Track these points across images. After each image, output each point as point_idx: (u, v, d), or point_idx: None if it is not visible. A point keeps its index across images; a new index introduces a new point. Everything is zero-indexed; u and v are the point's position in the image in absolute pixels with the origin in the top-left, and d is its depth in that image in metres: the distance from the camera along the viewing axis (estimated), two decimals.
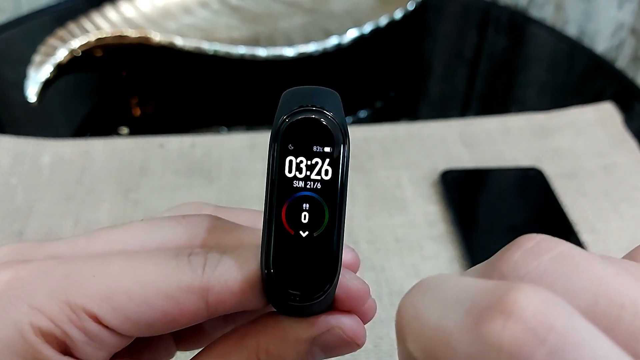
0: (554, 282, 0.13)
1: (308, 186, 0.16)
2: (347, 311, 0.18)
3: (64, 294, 0.17)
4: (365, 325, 0.19)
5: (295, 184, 0.16)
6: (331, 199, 0.17)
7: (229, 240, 0.19)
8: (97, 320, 0.17)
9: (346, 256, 0.19)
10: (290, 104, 0.17)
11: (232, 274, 0.17)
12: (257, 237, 0.18)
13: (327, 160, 0.16)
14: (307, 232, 0.17)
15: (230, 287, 0.17)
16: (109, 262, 0.17)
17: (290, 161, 0.16)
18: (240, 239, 0.19)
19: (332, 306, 0.18)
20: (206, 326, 0.22)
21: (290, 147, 0.16)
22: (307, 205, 0.16)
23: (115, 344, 0.18)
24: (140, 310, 0.17)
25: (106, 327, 0.17)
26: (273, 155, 0.17)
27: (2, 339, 0.17)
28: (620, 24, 0.78)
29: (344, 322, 0.18)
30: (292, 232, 0.17)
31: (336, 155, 0.17)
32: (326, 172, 0.16)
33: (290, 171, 0.16)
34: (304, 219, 0.16)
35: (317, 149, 0.16)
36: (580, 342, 0.11)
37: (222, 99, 0.57)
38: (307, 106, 0.17)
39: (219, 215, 0.20)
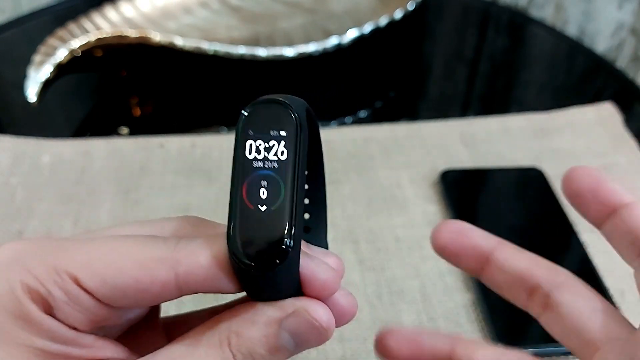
0: None
1: (266, 165, 0.18)
2: (316, 299, 0.20)
3: (53, 260, 0.19)
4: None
5: (255, 164, 0.18)
6: (287, 176, 0.18)
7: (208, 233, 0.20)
8: (77, 282, 0.19)
9: (330, 260, 0.20)
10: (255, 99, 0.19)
11: (202, 249, 0.19)
12: None
13: (283, 143, 0.18)
14: (265, 207, 0.18)
15: (199, 261, 0.19)
16: (94, 240, 0.20)
17: (250, 144, 0.19)
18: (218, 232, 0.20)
19: (301, 292, 0.20)
20: (195, 323, 0.22)
21: (250, 132, 0.19)
22: (265, 183, 0.18)
23: (94, 310, 0.19)
24: (115, 276, 0.19)
25: (85, 290, 0.19)
26: (236, 139, 0.19)
27: None
28: (620, 24, 0.78)
29: (310, 306, 0.19)
30: (252, 207, 0.18)
31: (291, 138, 0.19)
32: (282, 152, 0.18)
33: (250, 153, 0.18)
34: (262, 194, 0.18)
35: (273, 132, 0.19)
36: None
37: (222, 99, 0.57)
38: (266, 97, 0.19)
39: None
